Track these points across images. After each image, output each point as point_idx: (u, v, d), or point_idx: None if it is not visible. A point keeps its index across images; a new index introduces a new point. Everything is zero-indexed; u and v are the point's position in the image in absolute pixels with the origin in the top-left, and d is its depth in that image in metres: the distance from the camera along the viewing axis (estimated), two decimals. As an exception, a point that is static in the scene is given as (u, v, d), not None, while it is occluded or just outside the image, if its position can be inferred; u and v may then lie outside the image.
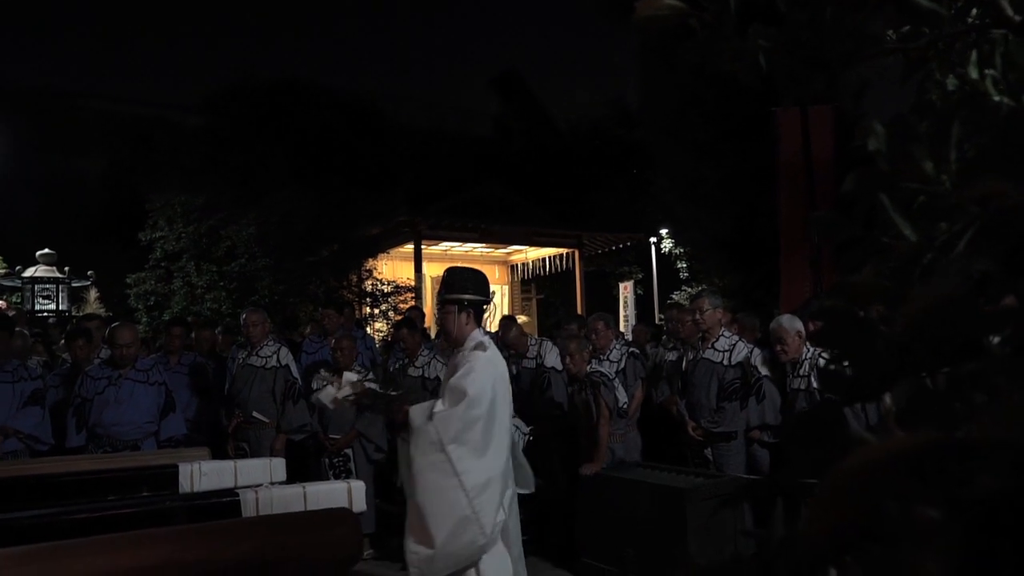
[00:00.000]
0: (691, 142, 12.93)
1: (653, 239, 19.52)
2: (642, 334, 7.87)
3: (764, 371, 5.00)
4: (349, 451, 5.62)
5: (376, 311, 13.41)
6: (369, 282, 13.82)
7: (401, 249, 15.11)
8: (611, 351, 5.88)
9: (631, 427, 5.38)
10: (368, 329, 10.88)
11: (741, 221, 12.22)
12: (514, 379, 6.21)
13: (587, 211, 19.48)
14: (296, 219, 12.58)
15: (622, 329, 12.85)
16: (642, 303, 19.70)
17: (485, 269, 16.97)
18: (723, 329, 5.21)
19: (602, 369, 5.20)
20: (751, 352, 5.07)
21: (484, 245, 16.72)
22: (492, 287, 17.39)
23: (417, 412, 2.88)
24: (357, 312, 11.99)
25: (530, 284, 19.20)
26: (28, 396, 4.92)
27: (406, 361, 6.18)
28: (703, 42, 0.83)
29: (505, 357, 6.52)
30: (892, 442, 0.46)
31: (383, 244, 14.48)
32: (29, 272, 12.40)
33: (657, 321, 14.01)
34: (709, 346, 5.12)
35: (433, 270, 15.96)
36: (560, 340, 6.22)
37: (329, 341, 6.51)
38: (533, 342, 6.41)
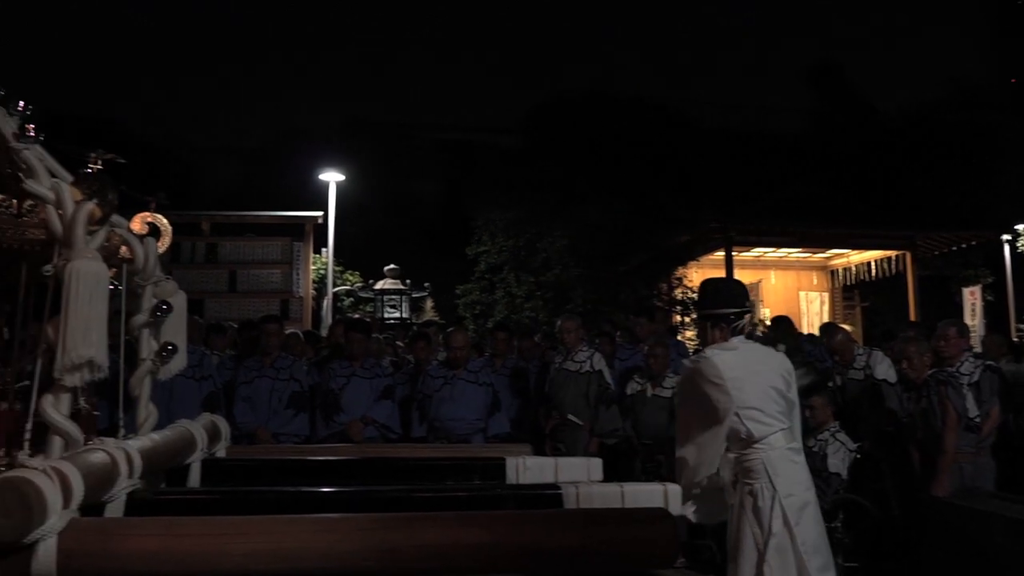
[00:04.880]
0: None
1: (1005, 236, 16.85)
2: (995, 346, 6.84)
3: None
4: (662, 457, 5.62)
5: (687, 319, 13.30)
6: (679, 290, 13.75)
7: (711, 256, 14.80)
8: (962, 363, 5.13)
9: (983, 449, 4.70)
10: (679, 337, 10.82)
11: None
12: (839, 390, 5.78)
13: (920, 208, 17.45)
14: (606, 229, 12.96)
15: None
16: (993, 311, 17.11)
17: (801, 275, 16.01)
18: (1108, 339, 4.33)
19: (950, 369, 4.60)
20: None
21: (800, 249, 15.74)
22: (811, 294, 16.24)
23: None
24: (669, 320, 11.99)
25: (853, 291, 17.65)
26: (381, 390, 5.65)
27: None
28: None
29: (829, 366, 6.14)
30: None
31: (693, 251, 14.32)
32: (379, 285, 14.26)
33: (1014, 334, 12.10)
34: (1090, 359, 4.29)
35: (746, 277, 15.38)
36: (896, 345, 5.64)
37: (641, 348, 6.59)
38: (861, 352, 5.89)
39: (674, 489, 2.87)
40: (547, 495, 2.72)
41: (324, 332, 10.69)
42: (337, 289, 14.75)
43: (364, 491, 2.78)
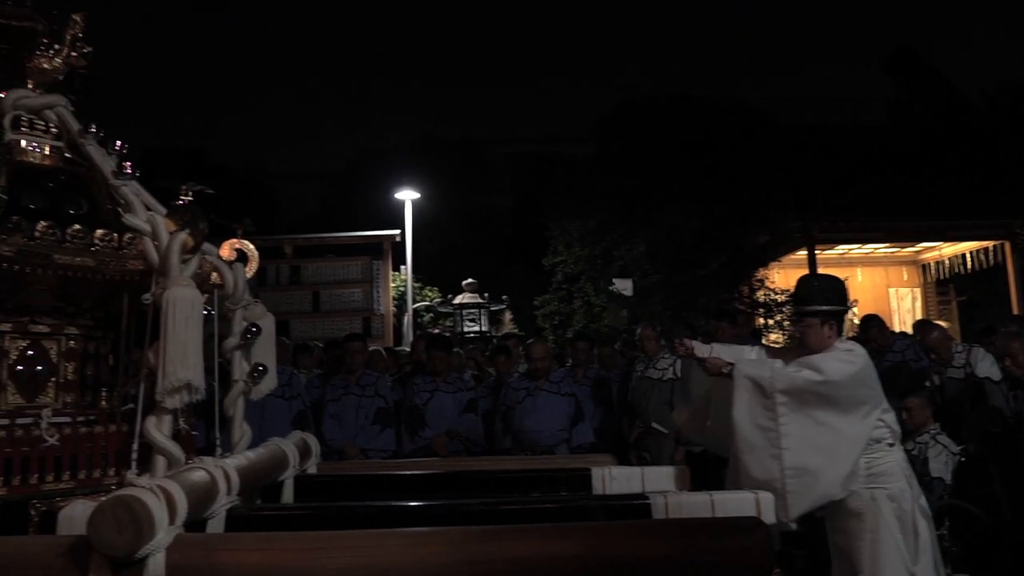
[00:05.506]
0: None
1: (1119, 220, 15.76)
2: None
3: None
4: (752, 464, 5.48)
5: (771, 322, 12.98)
6: (761, 292, 13.44)
7: (793, 256, 14.42)
8: (1076, 359, 4.83)
9: (1102, 449, 4.42)
10: (764, 340, 10.57)
11: None
12: (937, 390, 5.53)
13: (1018, 194, 16.55)
14: (684, 233, 12.79)
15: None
16: (1107, 301, 16.01)
17: (890, 271, 15.41)
18: None
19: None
20: None
21: (887, 244, 15.17)
22: (901, 291, 15.64)
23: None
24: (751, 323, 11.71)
25: (947, 285, 16.85)
26: (465, 404, 5.71)
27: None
28: None
29: (925, 365, 5.89)
30: None
31: (774, 252, 13.99)
32: (458, 299, 14.42)
33: None
34: None
35: (830, 276, 14.88)
36: (998, 340, 5.37)
37: (724, 352, 6.45)
38: (959, 349, 5.63)
39: (766, 497, 2.79)
40: (635, 505, 2.69)
41: (406, 348, 10.88)
42: (417, 305, 14.98)
43: (452, 504, 2.81)
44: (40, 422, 2.60)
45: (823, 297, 3.30)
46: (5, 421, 2.54)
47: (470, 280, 14.41)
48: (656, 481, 3.34)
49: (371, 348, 7.07)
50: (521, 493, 3.28)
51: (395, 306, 14.47)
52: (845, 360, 3.20)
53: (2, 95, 2.91)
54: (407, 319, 14.02)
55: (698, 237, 12.73)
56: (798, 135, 18.05)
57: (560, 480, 3.43)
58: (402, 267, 14.52)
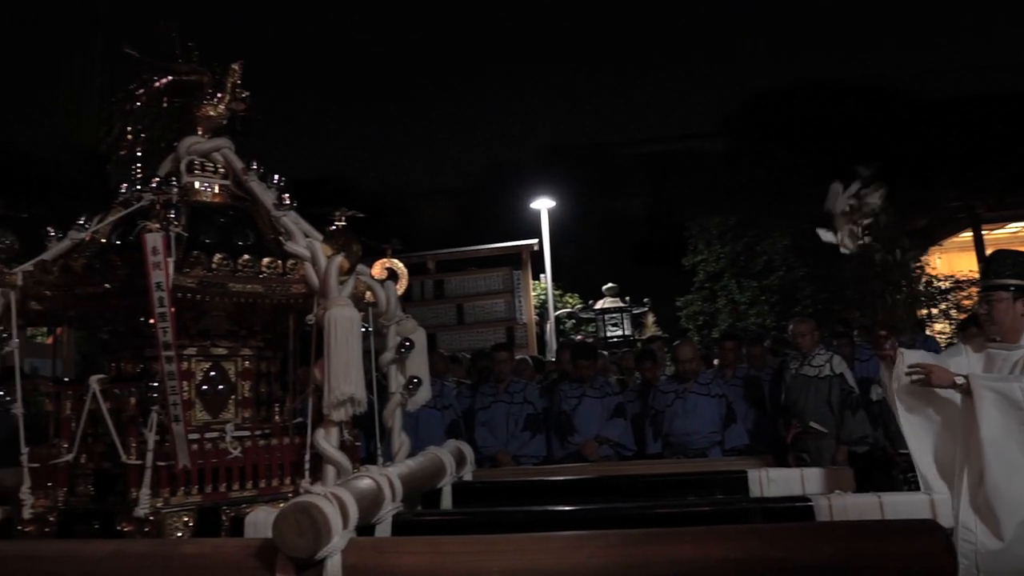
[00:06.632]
0: None
1: None
2: None
3: None
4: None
5: (935, 311, 12.11)
6: (922, 279, 12.57)
7: (956, 239, 13.39)
8: None
9: None
10: (928, 331, 9.88)
11: None
12: None
13: None
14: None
15: None
16: None
17: (1076, 248, 13.71)
18: None
19: None
20: None
21: (1072, 219, 13.78)
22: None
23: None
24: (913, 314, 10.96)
25: None
26: (613, 409, 5.70)
27: None
28: None
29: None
30: None
31: (934, 235, 13.05)
32: (599, 304, 14.37)
33: None
34: None
35: (1001, 257, 13.70)
36: None
37: (884, 347, 6.10)
38: None
39: (942, 499, 2.63)
40: (796, 508, 2.61)
41: (550, 356, 10.97)
42: (558, 312, 15.07)
43: (607, 508, 2.84)
44: (224, 436, 2.84)
45: (1014, 271, 3.06)
46: (196, 436, 2.79)
47: (610, 284, 14.32)
48: (817, 483, 3.23)
49: (518, 357, 7.18)
50: (675, 496, 3.26)
51: (537, 315, 14.63)
52: None
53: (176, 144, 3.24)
54: (549, 327, 14.13)
55: (846, 226, 12.08)
56: (950, 108, 16.77)
57: (716, 483, 3.38)
58: (542, 276, 14.67)
